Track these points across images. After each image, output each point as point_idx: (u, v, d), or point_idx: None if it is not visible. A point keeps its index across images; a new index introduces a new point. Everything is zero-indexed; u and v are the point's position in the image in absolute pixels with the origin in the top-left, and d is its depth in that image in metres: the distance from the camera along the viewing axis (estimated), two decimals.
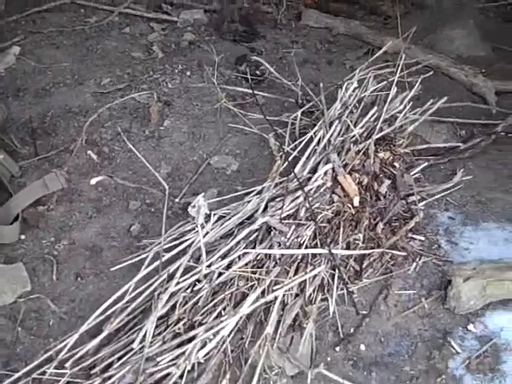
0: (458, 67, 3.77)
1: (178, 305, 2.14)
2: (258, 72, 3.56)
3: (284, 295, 2.25)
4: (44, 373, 1.99)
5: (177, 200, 2.72)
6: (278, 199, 2.49)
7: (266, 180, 2.66)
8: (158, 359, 2.00)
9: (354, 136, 2.73)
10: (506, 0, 4.77)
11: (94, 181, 2.41)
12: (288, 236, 2.35)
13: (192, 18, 4.20)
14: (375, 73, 3.09)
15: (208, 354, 2.05)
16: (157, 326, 2.09)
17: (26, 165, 2.83)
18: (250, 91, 3.38)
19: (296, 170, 2.62)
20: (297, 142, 2.87)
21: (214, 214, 2.38)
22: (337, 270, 2.39)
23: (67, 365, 1.99)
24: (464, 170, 2.95)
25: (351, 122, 2.80)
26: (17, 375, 1.99)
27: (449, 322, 2.36)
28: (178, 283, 2.16)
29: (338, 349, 2.24)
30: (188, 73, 3.56)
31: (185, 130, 3.16)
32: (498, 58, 3.98)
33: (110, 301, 2.14)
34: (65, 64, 3.57)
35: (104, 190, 2.77)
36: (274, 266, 2.27)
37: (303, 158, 2.70)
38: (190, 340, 2.05)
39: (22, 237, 2.53)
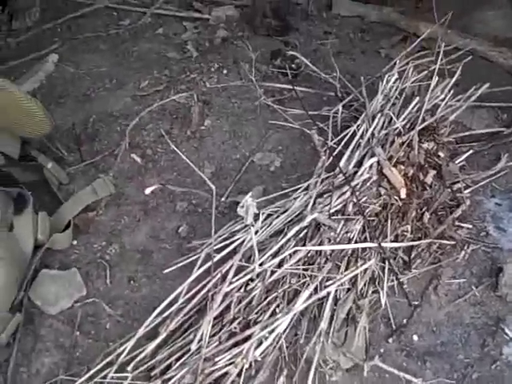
0: (496, 50, 3.71)
1: (232, 305, 2.16)
2: (293, 66, 3.54)
3: (336, 290, 2.26)
4: (105, 376, 2.02)
5: (223, 199, 2.74)
6: (326, 195, 2.49)
7: (310, 175, 2.66)
8: (216, 359, 2.02)
9: (397, 128, 2.71)
10: None
11: (148, 190, 2.42)
12: (337, 231, 2.36)
13: (224, 14, 4.18)
14: (415, 63, 3.05)
15: (264, 351, 2.07)
16: (212, 327, 2.11)
17: (72, 171, 2.87)
18: (288, 86, 3.36)
19: (341, 165, 2.62)
20: (340, 137, 2.86)
21: (263, 213, 2.41)
22: (387, 262, 2.40)
23: (129, 368, 2.03)
24: (508, 154, 2.92)
25: (393, 114, 2.78)
26: (80, 380, 2.03)
27: (501, 309, 2.36)
28: (231, 283, 2.18)
29: (390, 340, 2.26)
30: (224, 71, 3.56)
31: (226, 128, 3.17)
32: None
33: (165, 303, 2.17)
34: (103, 68, 3.59)
35: (150, 193, 2.79)
36: (326, 262, 2.28)
37: (347, 152, 2.69)
38: (245, 339, 2.07)
39: (74, 242, 2.58)
